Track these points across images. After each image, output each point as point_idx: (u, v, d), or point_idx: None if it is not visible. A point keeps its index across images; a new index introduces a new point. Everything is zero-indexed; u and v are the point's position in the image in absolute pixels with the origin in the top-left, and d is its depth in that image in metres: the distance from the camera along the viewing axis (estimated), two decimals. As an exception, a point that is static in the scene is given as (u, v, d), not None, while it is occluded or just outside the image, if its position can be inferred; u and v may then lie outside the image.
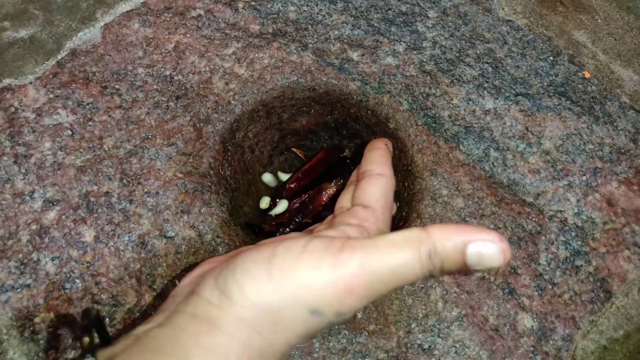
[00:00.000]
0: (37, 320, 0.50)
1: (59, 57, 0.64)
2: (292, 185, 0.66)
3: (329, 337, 0.51)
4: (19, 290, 0.51)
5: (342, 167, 0.66)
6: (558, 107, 0.66)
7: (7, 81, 0.62)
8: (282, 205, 0.65)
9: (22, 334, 0.49)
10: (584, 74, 0.69)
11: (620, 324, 0.55)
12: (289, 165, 0.73)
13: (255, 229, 0.62)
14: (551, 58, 0.70)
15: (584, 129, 0.65)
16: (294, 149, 0.71)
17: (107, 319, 0.50)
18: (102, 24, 0.67)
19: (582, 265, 0.57)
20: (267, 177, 0.69)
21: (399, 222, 0.60)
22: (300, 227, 0.66)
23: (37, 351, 0.49)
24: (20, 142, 0.58)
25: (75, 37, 0.66)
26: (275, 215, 0.64)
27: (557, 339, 0.53)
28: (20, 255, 0.52)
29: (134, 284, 0.52)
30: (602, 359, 0.53)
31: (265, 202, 0.68)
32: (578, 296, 0.55)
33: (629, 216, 0.60)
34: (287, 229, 0.62)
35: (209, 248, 0.54)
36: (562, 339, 0.53)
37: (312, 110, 0.68)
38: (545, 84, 0.68)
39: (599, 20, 0.75)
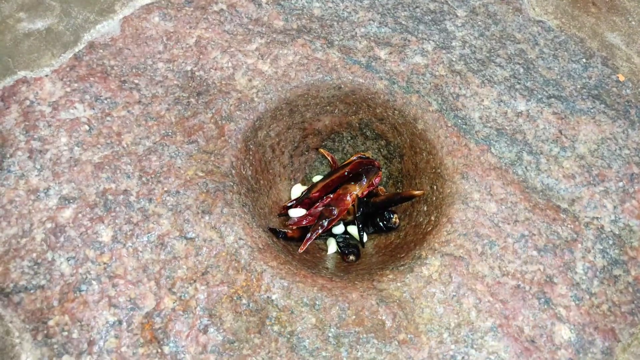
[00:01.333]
0: (51, 323, 0.47)
1: (77, 50, 0.62)
2: (316, 194, 0.63)
3: (357, 347, 0.48)
4: (32, 291, 0.49)
5: (367, 168, 0.64)
6: (592, 111, 0.63)
7: (22, 73, 0.60)
8: (298, 211, 0.63)
9: (35, 338, 0.47)
10: (618, 77, 0.67)
11: (662, 338, 0.52)
12: (309, 167, 0.70)
13: (280, 235, 0.59)
14: (584, 60, 0.68)
15: (619, 133, 0.62)
16: (322, 150, 0.68)
17: (125, 324, 0.48)
18: (121, 16, 0.65)
19: (620, 275, 0.54)
20: (296, 189, 0.67)
21: (427, 227, 0.58)
22: (327, 233, 0.64)
23: (51, 356, 0.46)
24: (35, 136, 0.56)
25: (93, 30, 0.64)
26: (298, 218, 0.62)
27: (596, 352, 0.51)
28: (34, 255, 0.50)
29: (153, 287, 0.50)
30: (643, 374, 0.51)
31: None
32: (617, 307, 0.53)
33: (668, 225, 0.57)
34: (314, 234, 0.59)
35: (231, 250, 0.52)
36: (602, 352, 0.51)
37: (336, 110, 0.66)
38: (579, 86, 0.65)
39: (633, 22, 0.72)
